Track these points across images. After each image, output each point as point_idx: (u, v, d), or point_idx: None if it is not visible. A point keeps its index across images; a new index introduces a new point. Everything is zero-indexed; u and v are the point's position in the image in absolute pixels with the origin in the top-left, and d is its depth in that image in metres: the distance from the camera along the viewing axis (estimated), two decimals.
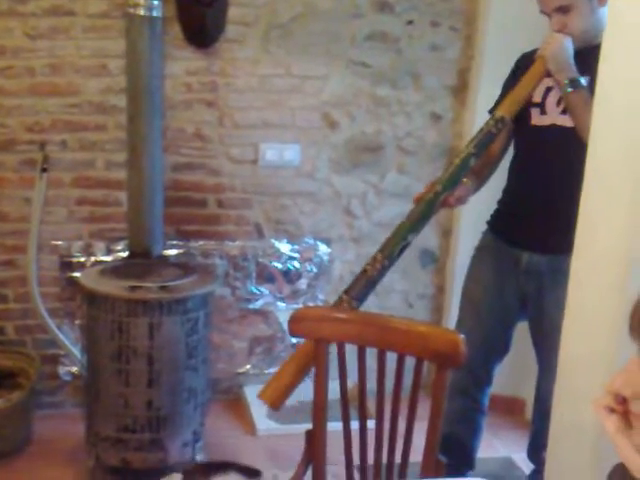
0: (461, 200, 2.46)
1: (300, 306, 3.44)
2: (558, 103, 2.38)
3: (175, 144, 3.25)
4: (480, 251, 2.68)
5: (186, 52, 3.17)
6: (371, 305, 3.40)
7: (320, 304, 3.48)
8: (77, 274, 3.06)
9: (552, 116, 2.40)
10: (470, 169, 2.38)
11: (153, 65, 2.91)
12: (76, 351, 3.20)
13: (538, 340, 2.59)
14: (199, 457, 2.86)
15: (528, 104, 2.42)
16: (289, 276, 3.48)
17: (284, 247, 3.45)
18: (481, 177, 2.54)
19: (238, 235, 3.40)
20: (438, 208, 2.38)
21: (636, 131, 1.74)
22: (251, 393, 3.37)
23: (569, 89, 2.28)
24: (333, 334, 1.91)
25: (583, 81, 2.27)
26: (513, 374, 3.24)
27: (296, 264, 3.47)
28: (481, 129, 2.40)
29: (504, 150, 2.60)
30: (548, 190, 2.43)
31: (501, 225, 2.61)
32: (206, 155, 3.30)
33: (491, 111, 2.53)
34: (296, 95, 3.32)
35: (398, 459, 1.91)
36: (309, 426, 1.97)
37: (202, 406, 2.86)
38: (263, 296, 3.47)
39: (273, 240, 3.43)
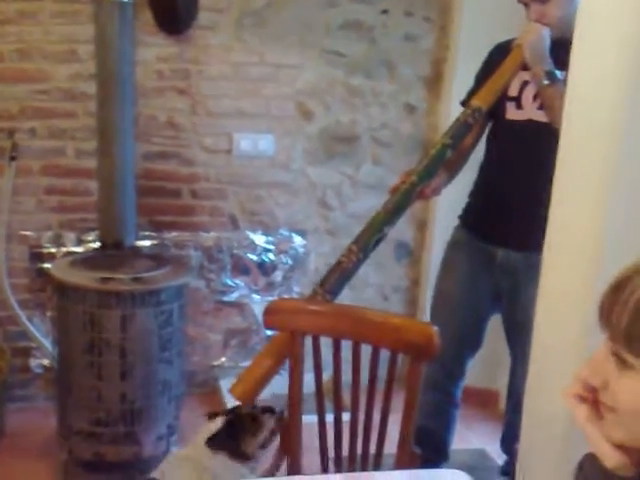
0: (436, 191, 2.43)
1: (275, 298, 3.41)
2: (534, 98, 2.35)
3: (147, 132, 3.20)
4: (453, 246, 2.65)
5: (157, 38, 3.12)
6: (346, 298, 3.36)
7: (295, 296, 3.46)
8: (47, 265, 3.01)
9: (529, 111, 2.37)
10: (446, 160, 2.36)
11: (123, 51, 2.85)
12: (47, 343, 3.15)
13: (511, 334, 2.58)
14: (174, 450, 2.83)
15: (504, 97, 2.40)
16: (264, 268, 3.45)
17: (259, 239, 3.42)
18: (454, 169, 2.51)
19: (212, 226, 3.37)
20: (414, 199, 2.35)
21: (606, 124, 1.74)
22: (226, 386, 3.31)
23: (545, 81, 2.27)
24: (308, 326, 1.90)
25: (559, 74, 2.26)
26: (487, 367, 3.24)
27: (271, 256, 3.44)
28: (457, 119, 2.38)
29: (476, 142, 2.58)
30: (524, 186, 2.40)
31: (475, 220, 2.59)
32: (179, 144, 3.26)
33: (463, 103, 2.51)
34: (270, 84, 3.28)
35: (372, 451, 1.91)
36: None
37: (177, 399, 2.83)
38: (238, 288, 3.44)
39: (248, 232, 3.40)
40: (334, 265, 2.28)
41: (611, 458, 0.95)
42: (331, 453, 1.95)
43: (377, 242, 2.28)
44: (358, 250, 2.25)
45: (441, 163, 2.34)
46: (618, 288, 0.94)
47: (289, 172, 3.39)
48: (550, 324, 2.00)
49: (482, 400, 3.45)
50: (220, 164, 3.32)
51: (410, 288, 3.67)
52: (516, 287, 2.48)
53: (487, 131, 2.56)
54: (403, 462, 1.81)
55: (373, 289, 3.62)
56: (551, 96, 2.26)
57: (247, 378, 2.08)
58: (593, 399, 0.98)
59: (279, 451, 1.97)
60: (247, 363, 3.16)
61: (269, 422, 2.04)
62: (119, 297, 2.60)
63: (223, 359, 3.52)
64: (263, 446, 2.04)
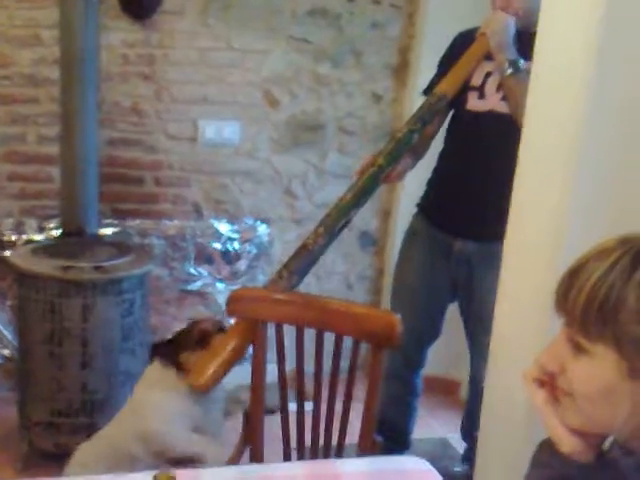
0: (401, 176, 2.43)
1: (238, 287, 3.39)
2: (498, 88, 2.35)
3: (110, 118, 3.16)
4: (411, 235, 2.65)
5: (123, 23, 3.07)
6: (311, 287, 3.39)
7: (260, 285, 3.44)
8: (8, 253, 2.96)
9: (491, 101, 2.37)
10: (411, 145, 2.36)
11: (88, 36, 2.80)
12: (7, 333, 3.10)
13: (469, 324, 2.60)
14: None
15: (465, 87, 2.40)
16: (228, 257, 3.42)
17: (223, 227, 3.39)
18: (417, 155, 2.51)
19: (176, 214, 3.33)
20: (380, 183, 2.34)
21: (569, 116, 1.74)
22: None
23: (509, 70, 2.27)
24: (271, 315, 1.88)
25: (523, 63, 2.26)
26: (448, 355, 3.25)
27: (236, 245, 3.42)
28: (421, 106, 2.38)
29: (438, 130, 2.57)
30: (483, 177, 2.39)
31: (433, 210, 2.58)
32: (143, 131, 3.22)
33: (425, 92, 2.51)
34: (236, 70, 3.25)
35: (335, 440, 1.90)
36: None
37: None
38: (202, 277, 3.41)
39: (212, 220, 3.37)
40: (300, 247, 2.26)
41: (567, 443, 0.96)
42: (293, 443, 1.94)
43: (344, 225, 2.27)
44: (324, 232, 2.24)
45: (407, 148, 2.34)
46: (574, 273, 0.94)
47: (254, 160, 3.36)
48: (510, 313, 2.02)
49: (444, 389, 3.46)
50: (184, 151, 3.28)
51: (374, 277, 3.67)
52: (473, 277, 2.49)
53: (449, 121, 2.56)
54: (365, 451, 1.81)
55: (338, 278, 3.61)
56: (514, 85, 2.27)
57: (205, 367, 2.02)
58: (551, 384, 0.99)
59: (241, 440, 1.95)
60: None
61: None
62: (80, 286, 2.56)
63: None
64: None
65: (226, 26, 3.19)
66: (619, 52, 1.64)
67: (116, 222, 3.23)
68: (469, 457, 2.71)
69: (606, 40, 1.61)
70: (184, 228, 3.34)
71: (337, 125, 3.42)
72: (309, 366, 1.87)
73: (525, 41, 2.17)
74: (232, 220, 3.40)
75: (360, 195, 2.30)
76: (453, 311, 2.68)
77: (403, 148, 2.33)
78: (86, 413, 2.66)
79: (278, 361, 1.88)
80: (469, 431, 2.73)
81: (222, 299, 3.40)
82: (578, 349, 0.94)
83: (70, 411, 2.65)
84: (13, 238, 3.11)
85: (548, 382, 0.99)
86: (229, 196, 3.37)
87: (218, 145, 3.31)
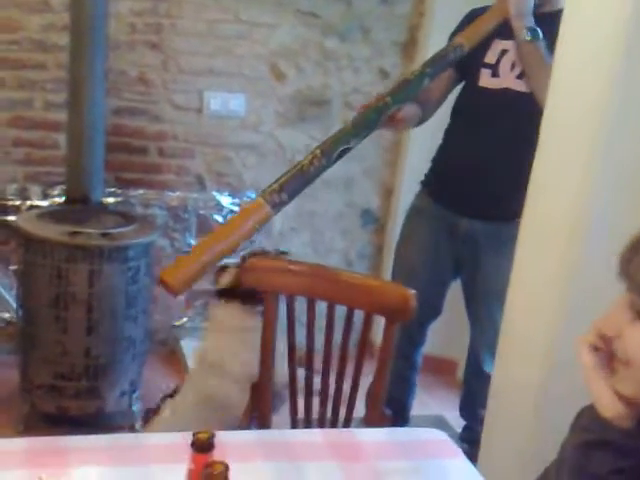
0: (405, 121, 2.34)
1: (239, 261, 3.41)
2: (512, 67, 2.35)
3: (117, 87, 3.15)
4: (415, 213, 2.64)
5: None
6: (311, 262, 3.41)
7: None
8: (11, 217, 2.96)
9: (506, 79, 2.36)
10: (422, 90, 2.29)
11: (98, 3, 2.79)
12: (9, 297, 3.11)
13: (472, 303, 2.61)
14: (136, 407, 2.83)
15: (479, 64, 2.40)
16: None
17: (225, 200, 3.40)
18: (423, 109, 2.46)
19: (179, 186, 3.34)
20: (385, 120, 2.23)
21: (592, 95, 1.77)
22: (187, 346, 3.34)
23: (528, 37, 2.24)
24: (283, 286, 1.90)
25: (541, 34, 2.24)
26: (446, 335, 3.27)
27: None
28: (437, 53, 2.33)
29: (446, 94, 2.55)
30: (494, 156, 2.38)
31: (439, 188, 2.56)
32: (149, 100, 3.22)
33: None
34: (243, 43, 3.25)
35: (343, 413, 1.93)
36: None
37: (140, 356, 2.83)
38: None
39: (214, 192, 3.38)
40: (294, 167, 2.13)
41: (611, 408, 0.97)
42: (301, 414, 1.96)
43: (342, 153, 2.14)
44: (321, 155, 2.11)
45: (417, 90, 2.27)
46: (638, 240, 0.96)
47: (258, 134, 3.37)
48: (522, 298, 2.04)
49: (441, 368, 3.50)
50: (189, 122, 3.28)
51: (375, 255, 3.70)
52: (479, 257, 2.49)
53: (457, 96, 2.55)
54: (374, 423, 1.83)
55: (338, 254, 3.63)
56: (531, 53, 2.25)
57: (183, 266, 1.86)
58: (608, 352, 1.00)
59: (248, 409, 1.98)
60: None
61: None
62: (87, 252, 2.58)
63: (185, 319, 3.51)
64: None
65: None
66: None
67: (119, 191, 3.24)
68: (467, 436, 2.75)
69: (635, 25, 1.63)
70: (186, 199, 3.35)
71: (343, 101, 3.42)
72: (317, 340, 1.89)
73: (549, 22, 2.18)
74: (234, 193, 3.41)
75: (362, 126, 2.19)
76: (451, 291, 2.71)
77: (412, 90, 2.26)
78: (89, 377, 2.69)
79: (288, 333, 1.90)
80: (469, 408, 2.77)
81: None
82: (637, 315, 0.95)
83: (73, 375, 2.68)
84: (17, 203, 3.12)
85: (605, 350, 1.00)
86: (232, 169, 3.38)
87: (223, 117, 3.31)
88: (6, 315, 3.21)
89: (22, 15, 2.97)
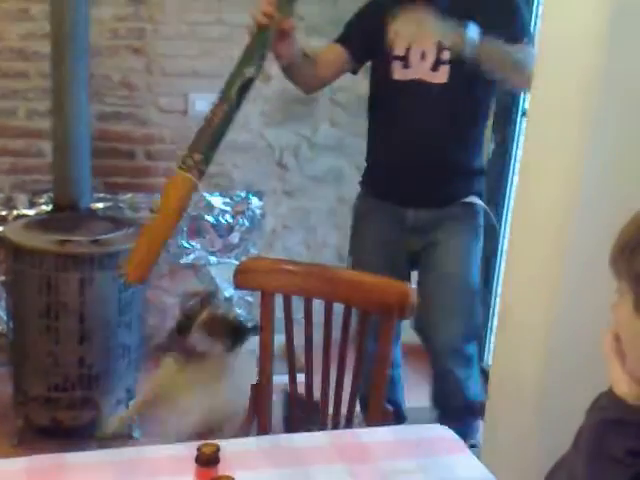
0: (293, 40, 2.23)
1: (232, 260, 3.40)
2: (422, 57, 2.30)
3: (100, 92, 3.12)
4: (361, 215, 2.58)
5: None
6: (302, 258, 3.39)
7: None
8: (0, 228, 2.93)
9: (418, 70, 2.32)
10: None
11: (78, 10, 2.75)
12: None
13: (435, 290, 2.49)
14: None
15: (389, 57, 2.35)
16: (221, 230, 3.42)
17: (216, 200, 3.38)
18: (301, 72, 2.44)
19: None
20: (275, 36, 2.15)
21: (579, 79, 1.75)
22: None
23: (471, 43, 2.17)
24: (280, 286, 1.88)
25: (473, 32, 2.17)
26: None
27: (228, 218, 3.41)
28: None
29: (331, 77, 2.56)
30: (423, 144, 2.36)
31: (379, 184, 2.52)
32: (133, 104, 3.19)
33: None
34: (227, 44, 3.21)
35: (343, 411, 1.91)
36: None
37: (136, 363, 2.80)
38: (194, 250, 3.40)
39: (204, 193, 3.35)
40: (202, 125, 2.08)
41: (622, 385, 1.00)
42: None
43: (243, 88, 2.06)
44: (222, 101, 2.05)
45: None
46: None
47: (246, 133, 3.34)
48: (516, 286, 2.03)
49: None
50: (175, 125, 3.25)
51: None
52: (432, 244, 2.46)
53: (371, 92, 2.54)
54: (376, 419, 1.82)
55: (330, 250, 3.61)
56: (486, 55, 2.19)
57: (137, 259, 1.96)
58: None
59: (249, 412, 1.95)
60: None
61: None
62: (77, 260, 2.55)
63: None
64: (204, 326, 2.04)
65: (217, 0, 3.15)
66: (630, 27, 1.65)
67: (108, 196, 3.21)
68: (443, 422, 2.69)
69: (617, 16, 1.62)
70: None
71: (329, 98, 3.40)
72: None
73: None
74: (224, 193, 3.38)
75: (252, 50, 2.12)
76: None
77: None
78: (83, 387, 2.66)
79: (287, 333, 1.88)
80: (441, 397, 2.65)
81: (215, 272, 3.41)
82: (621, 293, 1.01)
83: (67, 385, 2.65)
84: (4, 213, 3.09)
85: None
86: (221, 169, 3.35)
87: None
88: None
89: (2, 24, 2.94)
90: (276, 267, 1.94)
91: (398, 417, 2.74)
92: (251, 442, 1.52)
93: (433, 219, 2.44)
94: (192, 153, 2.00)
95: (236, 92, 2.04)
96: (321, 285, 1.86)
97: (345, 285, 1.84)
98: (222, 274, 3.45)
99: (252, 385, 1.94)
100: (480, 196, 2.47)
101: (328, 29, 3.29)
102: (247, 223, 3.44)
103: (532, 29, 2.64)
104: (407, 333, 2.64)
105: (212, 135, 2.04)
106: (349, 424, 1.89)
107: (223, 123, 2.05)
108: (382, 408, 1.84)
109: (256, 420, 1.94)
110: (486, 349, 3.35)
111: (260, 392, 1.92)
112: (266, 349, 1.89)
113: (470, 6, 2.25)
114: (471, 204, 2.44)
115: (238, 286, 1.91)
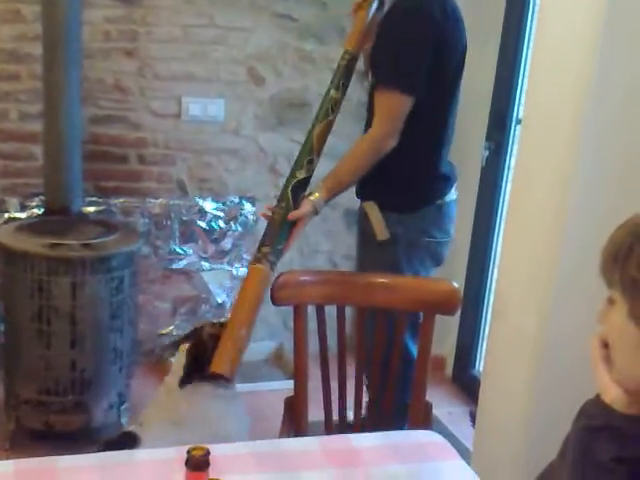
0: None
1: (224, 266, 3.39)
2: None
3: (93, 96, 3.12)
4: None
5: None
6: (294, 264, 3.38)
7: (245, 264, 3.43)
8: None
9: None
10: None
11: (71, 12, 2.75)
12: None
13: None
14: (124, 419, 2.79)
15: None
16: (213, 235, 3.41)
17: (208, 206, 3.37)
18: None
19: (160, 193, 3.30)
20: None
21: (574, 86, 1.76)
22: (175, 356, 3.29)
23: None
24: (316, 297, 1.90)
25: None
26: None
27: (221, 223, 3.40)
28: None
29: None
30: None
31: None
32: (126, 108, 3.18)
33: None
34: (220, 47, 3.22)
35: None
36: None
37: (127, 367, 2.79)
38: (187, 256, 3.39)
39: (197, 198, 3.35)
40: (266, 226, 2.22)
41: (609, 392, 1.00)
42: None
43: (297, 187, 2.26)
44: (280, 199, 2.23)
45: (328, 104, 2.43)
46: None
47: (239, 138, 3.34)
48: (509, 286, 2.04)
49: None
50: (168, 129, 3.25)
51: None
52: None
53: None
54: (418, 413, 1.89)
55: (322, 256, 3.61)
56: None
57: (227, 352, 1.99)
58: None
59: (285, 426, 1.93)
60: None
61: None
62: (69, 263, 2.54)
63: (171, 327, 3.47)
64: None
65: (209, 3, 3.16)
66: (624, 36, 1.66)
67: (100, 200, 3.19)
68: None
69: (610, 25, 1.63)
70: (169, 206, 3.31)
71: None
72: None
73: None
74: (217, 198, 3.38)
75: (306, 148, 2.39)
76: None
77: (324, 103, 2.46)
78: (75, 391, 2.65)
79: (320, 342, 1.90)
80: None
81: (208, 278, 3.40)
82: (611, 301, 1.01)
83: (59, 389, 2.63)
84: None
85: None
86: (214, 174, 3.35)
87: (203, 122, 3.28)
88: None
89: None
90: (309, 279, 1.97)
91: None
92: (241, 446, 1.51)
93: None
94: (260, 248, 2.13)
95: (291, 189, 2.22)
96: (356, 292, 1.91)
97: (384, 289, 1.90)
98: (215, 280, 3.44)
99: (286, 398, 1.94)
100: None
101: (320, 31, 3.32)
102: (240, 229, 3.44)
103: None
104: None
105: (275, 229, 2.18)
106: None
107: (282, 217, 2.19)
108: (424, 400, 1.93)
109: (292, 433, 1.92)
110: (478, 356, 3.35)
111: (297, 405, 1.92)
112: (301, 362, 1.89)
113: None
114: None
115: (276, 303, 1.90)
